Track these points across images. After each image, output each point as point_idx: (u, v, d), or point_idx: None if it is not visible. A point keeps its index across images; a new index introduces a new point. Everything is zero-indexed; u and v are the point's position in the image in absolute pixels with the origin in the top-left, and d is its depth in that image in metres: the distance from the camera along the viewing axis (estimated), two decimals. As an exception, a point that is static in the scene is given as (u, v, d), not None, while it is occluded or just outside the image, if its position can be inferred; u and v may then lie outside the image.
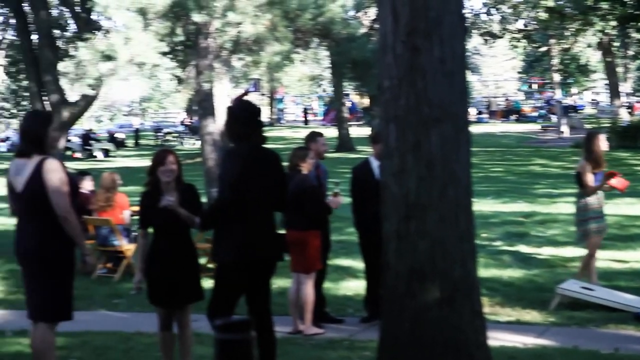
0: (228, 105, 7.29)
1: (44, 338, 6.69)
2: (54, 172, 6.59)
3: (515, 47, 55.52)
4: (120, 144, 56.32)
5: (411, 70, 5.85)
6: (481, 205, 18.32)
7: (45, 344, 6.69)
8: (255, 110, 7.07)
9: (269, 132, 7.12)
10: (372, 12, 37.16)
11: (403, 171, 5.94)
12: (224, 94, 18.17)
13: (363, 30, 23.53)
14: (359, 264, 11.67)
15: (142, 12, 16.87)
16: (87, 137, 51.33)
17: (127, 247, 12.76)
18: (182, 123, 68.24)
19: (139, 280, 7.35)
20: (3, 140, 60.75)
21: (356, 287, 11.44)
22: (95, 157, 48.30)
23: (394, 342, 6.04)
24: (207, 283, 9.43)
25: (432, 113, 5.85)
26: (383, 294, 6.26)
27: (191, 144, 53.49)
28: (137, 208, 8.06)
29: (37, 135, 6.73)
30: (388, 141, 6.04)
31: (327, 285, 10.45)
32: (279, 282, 10.46)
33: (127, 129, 72.70)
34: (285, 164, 7.51)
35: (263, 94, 71.94)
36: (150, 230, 7.36)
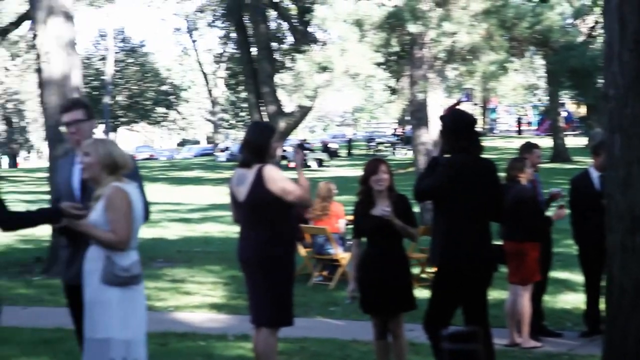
0: (441, 116, 7.22)
1: (267, 342, 6.86)
2: (273, 172, 6.83)
3: None
4: (333, 154, 57.26)
5: (638, 79, 5.65)
6: None
7: (267, 349, 6.86)
8: (470, 121, 7.02)
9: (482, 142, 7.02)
10: (591, 19, 36.25)
11: (628, 182, 5.74)
12: (437, 104, 18.10)
13: (581, 38, 22.94)
14: (577, 277, 11.39)
15: (359, 23, 17.08)
16: (302, 147, 52.40)
17: (342, 255, 12.92)
18: (394, 133, 68.67)
19: (352, 289, 7.42)
20: (222, 150, 62.93)
21: (574, 300, 11.16)
22: (309, 166, 49.25)
23: (618, 358, 5.84)
24: (422, 293, 9.47)
25: (660, 123, 5.63)
26: (607, 309, 6.07)
27: (403, 153, 53.77)
28: (351, 217, 8.15)
29: (260, 146, 6.93)
30: (612, 151, 5.86)
31: (545, 298, 10.23)
32: (495, 294, 10.32)
33: (340, 139, 74.01)
34: (501, 174, 7.40)
35: (475, 104, 71.41)
36: (364, 239, 7.44)
